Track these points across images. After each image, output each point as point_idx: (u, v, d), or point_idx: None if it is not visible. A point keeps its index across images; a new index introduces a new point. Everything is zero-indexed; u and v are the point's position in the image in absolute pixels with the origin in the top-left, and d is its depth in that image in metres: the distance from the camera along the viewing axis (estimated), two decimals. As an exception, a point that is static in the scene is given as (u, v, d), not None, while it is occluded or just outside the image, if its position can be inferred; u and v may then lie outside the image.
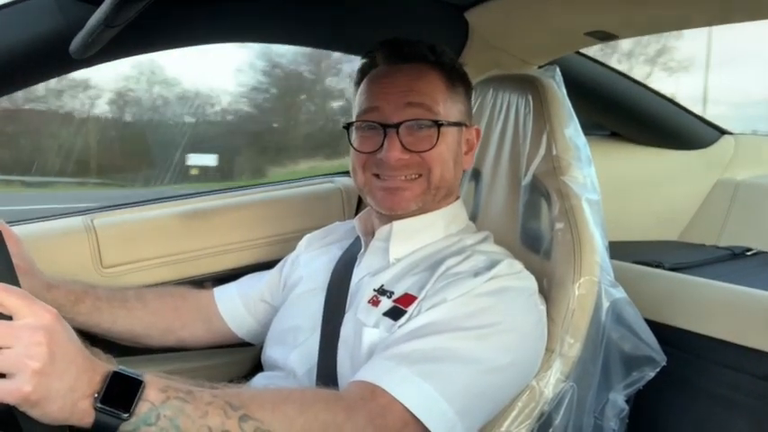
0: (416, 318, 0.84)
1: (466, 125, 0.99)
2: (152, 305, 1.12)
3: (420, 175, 0.93)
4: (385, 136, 0.92)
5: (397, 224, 0.96)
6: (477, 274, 0.86)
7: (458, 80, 0.97)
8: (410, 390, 0.75)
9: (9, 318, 0.61)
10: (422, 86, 0.93)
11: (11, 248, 0.70)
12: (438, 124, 0.91)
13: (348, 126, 0.98)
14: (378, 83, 0.96)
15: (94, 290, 1.08)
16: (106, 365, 0.65)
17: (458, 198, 1.03)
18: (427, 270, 0.91)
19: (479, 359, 0.80)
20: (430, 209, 0.97)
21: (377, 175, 0.94)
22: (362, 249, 1.01)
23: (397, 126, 0.91)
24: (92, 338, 1.02)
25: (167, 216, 1.32)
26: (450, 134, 0.94)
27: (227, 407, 0.67)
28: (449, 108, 0.94)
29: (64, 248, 1.20)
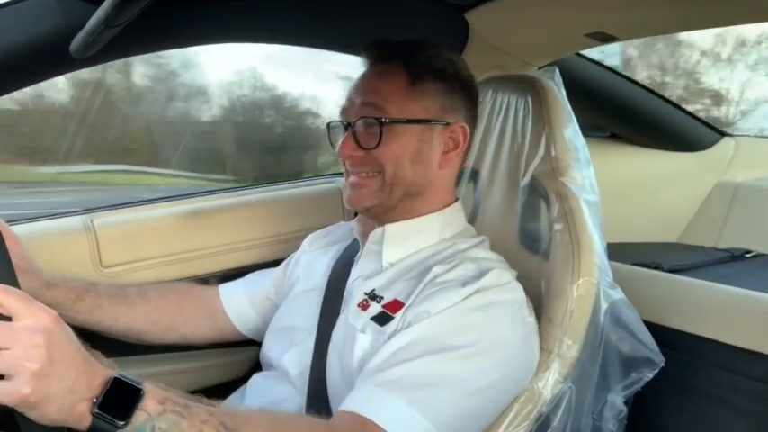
0: (402, 333, 0.83)
1: (447, 123, 0.96)
2: (154, 301, 1.12)
3: (379, 173, 0.94)
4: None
5: (389, 227, 0.96)
6: (464, 283, 0.85)
7: (427, 77, 0.95)
8: (401, 422, 0.74)
9: (8, 319, 0.61)
10: (378, 86, 0.94)
11: (10, 248, 0.70)
12: (380, 122, 0.91)
13: (328, 127, 1.02)
14: (353, 85, 0.99)
15: (95, 287, 1.08)
16: (106, 369, 0.65)
17: (456, 200, 1.02)
18: (417, 276, 0.90)
19: (468, 380, 0.79)
20: (396, 207, 0.96)
21: (351, 173, 0.97)
22: (360, 251, 1.01)
23: (352, 125, 0.94)
24: (92, 340, 1.02)
25: (167, 216, 1.32)
26: (405, 133, 0.93)
27: (222, 428, 0.67)
28: (406, 106, 0.93)
29: (63, 248, 1.20)
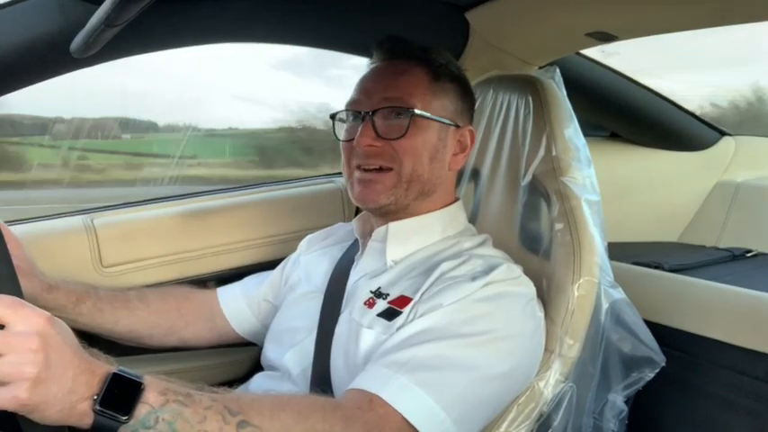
0: (413, 323, 0.83)
1: (457, 125, 0.97)
2: (154, 305, 1.12)
3: (391, 169, 0.93)
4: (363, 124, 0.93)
5: (392, 225, 0.97)
6: (474, 278, 0.86)
7: (446, 78, 0.96)
8: (408, 399, 0.75)
9: (1, 327, 0.60)
10: (402, 81, 0.94)
11: (12, 250, 0.69)
12: (410, 113, 0.91)
13: (333, 118, 1.00)
14: (365, 78, 0.98)
15: (96, 291, 1.08)
16: (105, 366, 0.64)
17: (456, 200, 1.03)
18: (423, 273, 0.91)
19: (477, 367, 0.80)
20: (409, 207, 0.95)
21: (358, 167, 0.95)
22: (360, 251, 1.01)
23: (371, 113, 0.92)
24: (91, 339, 1.02)
25: (167, 216, 1.32)
26: (428, 129, 0.93)
27: (226, 412, 0.67)
28: (428, 103, 0.94)
29: (64, 248, 1.20)
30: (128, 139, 2.40)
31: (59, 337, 0.62)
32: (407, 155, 0.92)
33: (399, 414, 0.74)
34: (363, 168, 0.94)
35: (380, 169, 0.93)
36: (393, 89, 0.93)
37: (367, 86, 0.96)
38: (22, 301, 0.62)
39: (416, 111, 0.91)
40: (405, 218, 0.97)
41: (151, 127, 2.45)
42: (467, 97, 1.00)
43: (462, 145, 0.99)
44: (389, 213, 0.96)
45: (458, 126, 0.97)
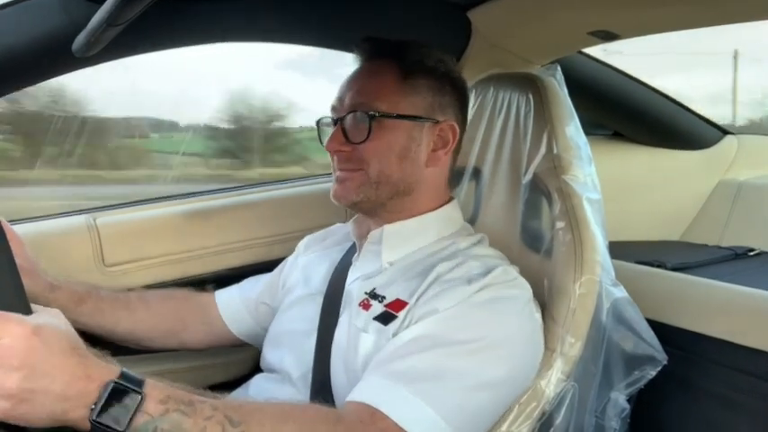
0: (409, 329, 0.83)
1: (436, 120, 0.96)
2: (154, 307, 1.12)
3: (361, 169, 0.93)
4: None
5: (387, 227, 0.97)
6: (470, 281, 0.85)
7: (418, 74, 0.95)
8: (409, 412, 0.75)
9: None
10: (369, 81, 0.95)
11: (14, 249, 0.69)
12: (370, 116, 0.91)
13: (318, 124, 1.02)
14: (342, 82, 0.99)
15: (97, 291, 1.09)
16: (105, 371, 0.64)
17: (452, 199, 1.02)
18: (419, 275, 0.90)
19: (475, 374, 0.79)
20: (387, 205, 0.95)
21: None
22: (357, 253, 1.01)
23: (341, 119, 0.94)
24: (92, 340, 1.03)
25: (169, 215, 1.32)
26: (395, 129, 0.93)
27: (227, 422, 0.66)
28: (396, 103, 0.93)
29: (66, 247, 1.20)
30: (157, 138, 2.39)
31: (45, 348, 0.61)
32: (373, 157, 0.92)
33: (401, 428, 0.74)
34: (339, 168, 0.96)
35: (351, 169, 0.94)
36: (360, 94, 0.94)
37: (341, 92, 0.97)
38: (5, 313, 0.62)
39: (375, 113, 0.91)
40: (394, 218, 0.97)
41: (173, 126, 2.46)
42: (445, 90, 0.97)
43: (443, 140, 0.97)
44: (368, 211, 0.97)
45: (437, 121, 0.96)
